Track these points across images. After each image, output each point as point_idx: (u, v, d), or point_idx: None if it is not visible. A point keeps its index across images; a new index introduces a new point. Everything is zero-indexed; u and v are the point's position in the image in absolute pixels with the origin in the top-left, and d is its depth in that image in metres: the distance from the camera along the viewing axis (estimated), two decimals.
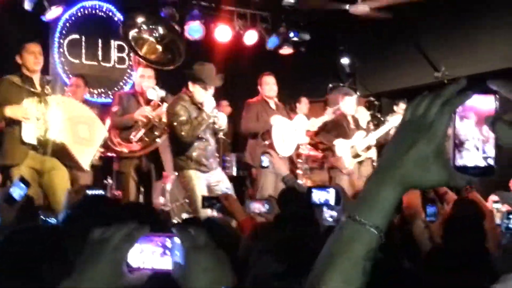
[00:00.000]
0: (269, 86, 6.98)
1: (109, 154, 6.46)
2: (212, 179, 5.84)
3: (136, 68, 6.38)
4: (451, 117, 1.00)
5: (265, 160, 5.53)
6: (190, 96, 5.75)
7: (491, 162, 1.02)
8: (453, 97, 1.00)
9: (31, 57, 5.22)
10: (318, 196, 3.06)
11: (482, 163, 1.02)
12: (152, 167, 6.14)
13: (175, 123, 5.61)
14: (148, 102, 6.04)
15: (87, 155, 5.49)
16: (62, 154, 5.32)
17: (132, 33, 6.87)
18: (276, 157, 6.59)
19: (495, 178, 1.06)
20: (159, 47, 6.97)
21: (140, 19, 7.01)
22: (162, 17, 7.55)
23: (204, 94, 5.72)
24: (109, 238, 1.12)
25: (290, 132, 6.85)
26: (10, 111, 5.03)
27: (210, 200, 3.53)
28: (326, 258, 1.02)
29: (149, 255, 1.16)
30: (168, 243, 1.16)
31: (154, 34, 7.01)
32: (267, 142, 6.65)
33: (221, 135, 5.99)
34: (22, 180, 3.20)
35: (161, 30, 6.99)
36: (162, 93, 5.99)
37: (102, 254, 1.10)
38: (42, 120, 5.14)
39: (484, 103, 1.04)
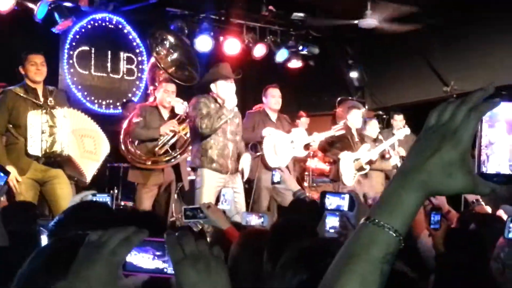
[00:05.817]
0: (274, 98, 6.81)
1: (117, 164, 6.42)
2: (231, 182, 5.79)
3: (158, 82, 6.32)
4: (477, 124, 0.98)
5: (277, 176, 5.44)
6: (213, 96, 5.80)
7: None
8: (480, 103, 0.98)
9: (33, 68, 5.21)
10: (331, 201, 2.97)
11: (508, 171, 1.01)
12: (173, 179, 6.13)
13: (195, 117, 5.65)
14: (171, 116, 6.05)
15: (91, 168, 5.45)
16: (67, 165, 5.32)
17: (157, 49, 6.83)
18: (287, 173, 6.47)
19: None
20: (174, 67, 6.90)
21: (167, 37, 6.98)
22: (183, 41, 7.50)
23: (228, 88, 5.74)
24: (106, 241, 1.11)
25: (284, 144, 6.71)
26: None
27: (193, 210, 3.44)
28: (343, 260, 1.00)
29: (145, 260, 1.15)
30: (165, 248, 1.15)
31: (170, 55, 6.96)
32: (258, 154, 6.56)
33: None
34: (1, 169, 3.17)
35: (177, 54, 6.94)
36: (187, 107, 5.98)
37: (98, 257, 1.09)
38: (47, 133, 5.14)
39: None
